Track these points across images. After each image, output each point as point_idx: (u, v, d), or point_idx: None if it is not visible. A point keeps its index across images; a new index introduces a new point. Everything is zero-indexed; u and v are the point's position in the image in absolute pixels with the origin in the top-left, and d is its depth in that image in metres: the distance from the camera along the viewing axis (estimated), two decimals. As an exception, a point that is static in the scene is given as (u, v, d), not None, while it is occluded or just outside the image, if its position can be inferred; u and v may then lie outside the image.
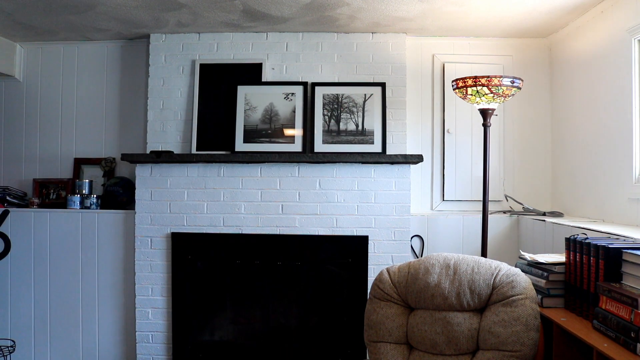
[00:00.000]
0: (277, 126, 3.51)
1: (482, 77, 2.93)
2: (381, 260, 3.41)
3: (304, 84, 3.55)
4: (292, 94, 3.53)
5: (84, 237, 3.59)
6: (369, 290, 2.97)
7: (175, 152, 3.52)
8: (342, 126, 3.50)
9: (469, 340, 2.19)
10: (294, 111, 3.51)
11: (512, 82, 2.94)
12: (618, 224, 2.83)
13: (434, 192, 3.72)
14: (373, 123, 3.48)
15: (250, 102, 3.54)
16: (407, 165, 3.44)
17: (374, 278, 2.62)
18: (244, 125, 3.53)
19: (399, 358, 2.28)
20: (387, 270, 2.44)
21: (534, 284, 2.32)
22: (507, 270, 2.26)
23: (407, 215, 3.44)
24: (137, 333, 3.51)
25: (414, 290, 2.32)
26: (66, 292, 3.59)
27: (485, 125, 3.11)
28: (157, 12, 3.19)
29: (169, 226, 3.50)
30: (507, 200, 3.65)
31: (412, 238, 3.55)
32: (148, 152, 3.53)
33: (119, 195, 3.64)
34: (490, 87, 2.92)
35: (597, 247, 2.04)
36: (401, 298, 2.36)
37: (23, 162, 3.86)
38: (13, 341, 3.56)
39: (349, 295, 3.44)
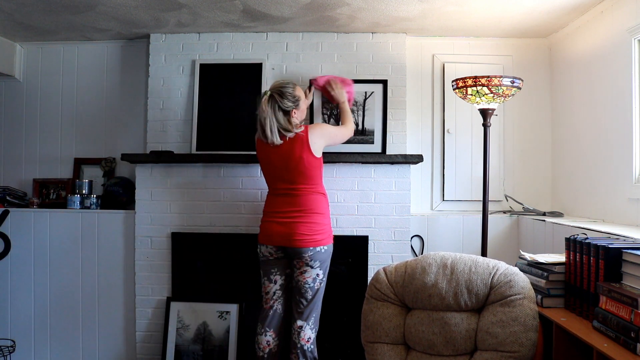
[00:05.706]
0: (277, 126, 3.50)
1: (482, 77, 2.93)
2: (381, 260, 3.41)
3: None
4: (292, 94, 3.52)
5: (84, 237, 3.59)
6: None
7: (175, 152, 3.52)
8: (342, 126, 3.49)
9: (467, 340, 2.18)
10: (294, 111, 3.50)
11: (512, 82, 2.93)
12: (618, 224, 2.83)
13: (434, 192, 3.72)
14: (373, 123, 3.48)
15: (250, 102, 3.53)
16: (407, 165, 3.44)
17: (373, 278, 2.61)
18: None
19: (396, 359, 2.26)
20: (384, 269, 2.42)
21: (534, 284, 2.31)
22: (505, 269, 2.25)
23: (407, 215, 3.44)
24: (137, 333, 3.51)
25: (411, 290, 2.30)
26: (66, 292, 3.59)
27: (485, 125, 3.11)
28: (157, 12, 3.19)
29: (169, 226, 3.50)
30: (507, 200, 3.65)
31: (412, 238, 3.55)
32: (148, 152, 3.52)
33: (119, 195, 3.63)
34: (490, 87, 2.92)
35: (597, 247, 2.04)
36: (398, 298, 2.34)
37: (23, 162, 3.86)
38: (13, 341, 3.56)
39: (349, 296, 3.44)
